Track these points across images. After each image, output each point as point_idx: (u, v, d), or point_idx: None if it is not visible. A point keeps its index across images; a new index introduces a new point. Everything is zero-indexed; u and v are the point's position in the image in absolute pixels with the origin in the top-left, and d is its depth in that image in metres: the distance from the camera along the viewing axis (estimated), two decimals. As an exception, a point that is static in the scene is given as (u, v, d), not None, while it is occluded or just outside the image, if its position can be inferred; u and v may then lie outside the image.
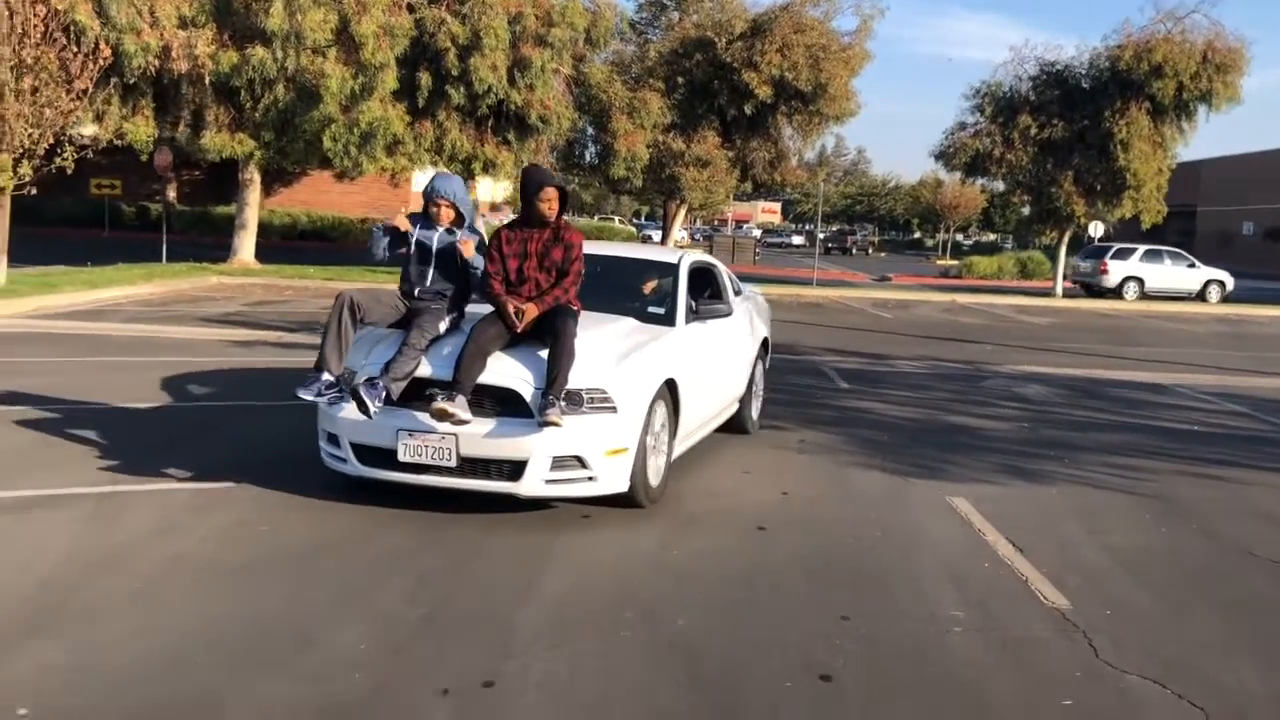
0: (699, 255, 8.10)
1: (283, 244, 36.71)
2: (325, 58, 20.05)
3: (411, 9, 21.54)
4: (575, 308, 6.13)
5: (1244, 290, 32.57)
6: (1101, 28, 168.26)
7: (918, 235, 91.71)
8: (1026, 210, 29.57)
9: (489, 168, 23.84)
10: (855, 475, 7.43)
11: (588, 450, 5.66)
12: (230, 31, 20.09)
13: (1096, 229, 33.25)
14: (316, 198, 42.86)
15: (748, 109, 25.93)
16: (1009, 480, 7.44)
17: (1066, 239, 30.53)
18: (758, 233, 76.20)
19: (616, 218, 79.60)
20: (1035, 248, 45.26)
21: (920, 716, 3.78)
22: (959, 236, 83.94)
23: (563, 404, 5.52)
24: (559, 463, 5.64)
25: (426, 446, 5.62)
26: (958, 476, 7.45)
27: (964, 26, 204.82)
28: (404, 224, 6.35)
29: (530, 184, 6.20)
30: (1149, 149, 26.98)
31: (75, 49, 17.18)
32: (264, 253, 26.18)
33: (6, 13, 16.40)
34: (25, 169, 17.11)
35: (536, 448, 5.58)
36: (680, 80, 26.90)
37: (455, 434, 5.57)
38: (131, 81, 19.56)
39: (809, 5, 26.03)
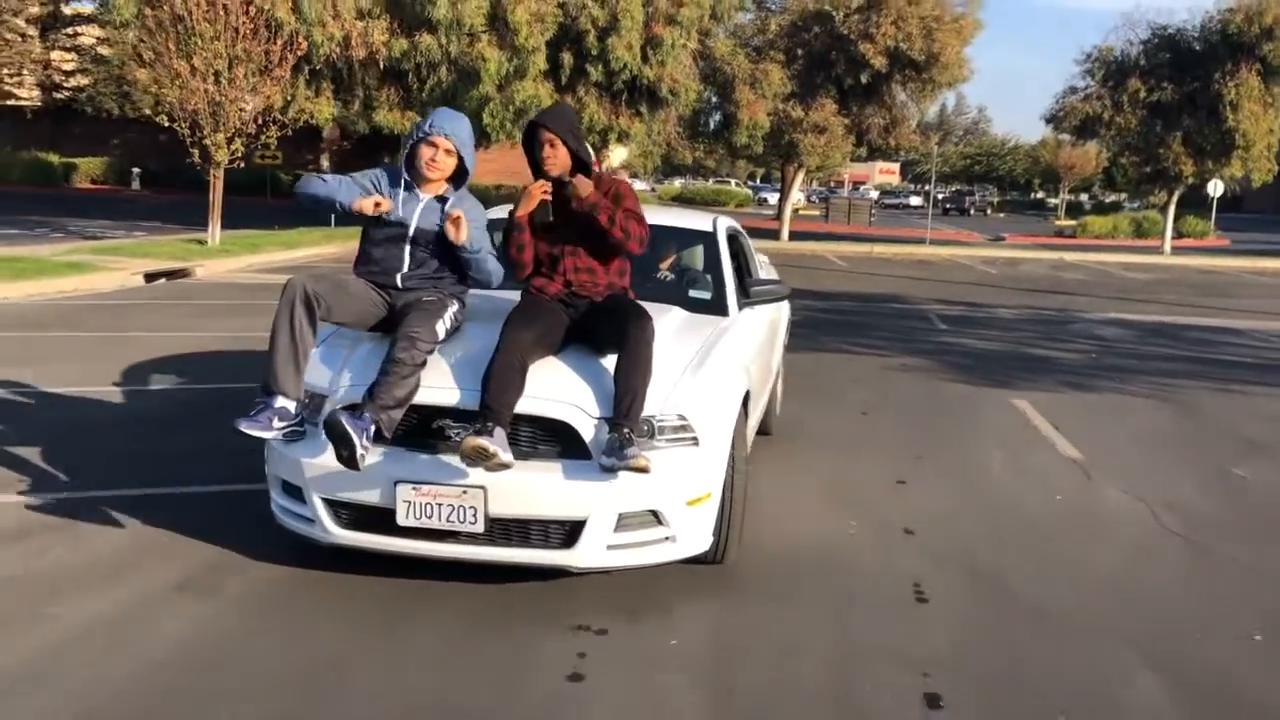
0: (730, 220, 6.57)
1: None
2: (481, 41, 22.58)
3: (556, -6, 23.90)
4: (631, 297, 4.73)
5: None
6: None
7: (1040, 195, 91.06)
8: (1134, 172, 30.52)
9: (623, 138, 26.16)
10: (942, 386, 9.53)
11: (665, 500, 4.10)
12: (400, 20, 22.77)
13: (1216, 188, 33.98)
14: (453, 165, 45.86)
15: (864, 78, 27.67)
16: (1065, 390, 9.45)
17: (1175, 199, 31.42)
18: (875, 194, 76.83)
19: (733, 180, 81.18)
20: (1149, 207, 45.54)
21: (959, 503, 5.94)
22: (1082, 196, 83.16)
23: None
24: (627, 521, 4.07)
25: (440, 504, 3.99)
26: (1023, 386, 9.48)
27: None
28: (384, 206, 4.48)
29: (527, 133, 4.64)
30: (1259, 110, 27.78)
31: (275, 42, 20.05)
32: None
33: (223, 13, 19.31)
34: (237, 145, 20.11)
35: (599, 502, 4.00)
36: (799, 52, 28.74)
37: (484, 486, 3.95)
38: (317, 67, 22.41)
39: (923, -22, 27.51)
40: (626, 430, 3.94)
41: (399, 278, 4.54)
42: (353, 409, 4.00)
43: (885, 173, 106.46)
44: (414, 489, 4.01)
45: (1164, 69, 28.88)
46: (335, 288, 4.35)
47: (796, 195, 37.27)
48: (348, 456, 3.91)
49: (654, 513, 4.11)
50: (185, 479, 5.66)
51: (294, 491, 4.33)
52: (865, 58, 26.86)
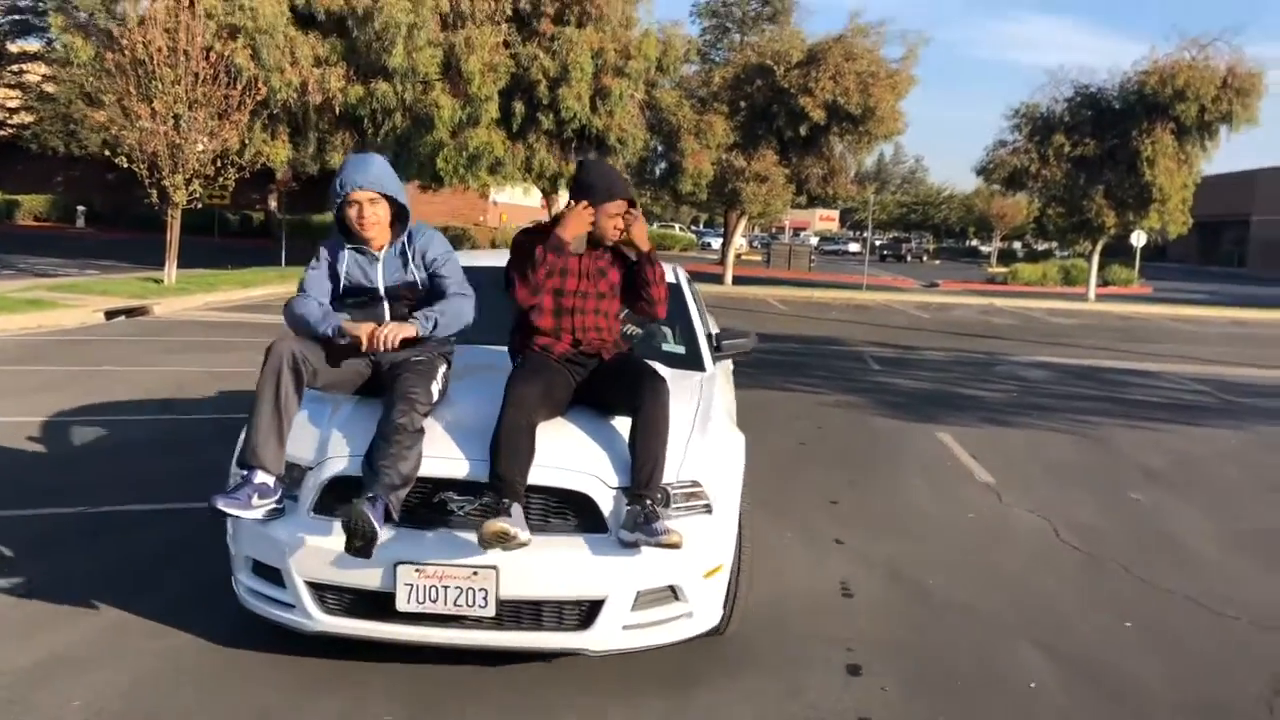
0: (681, 269, 6.32)
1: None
2: (435, 89, 23.29)
3: (508, 45, 24.73)
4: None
5: (1271, 297, 34.68)
6: (1160, 27, 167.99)
7: (975, 243, 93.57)
8: (1061, 222, 32.02)
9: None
10: (874, 421, 10.29)
11: (684, 574, 3.88)
12: (356, 68, 23.42)
13: (1140, 238, 35.62)
14: (401, 207, 46.32)
15: (803, 130, 28.82)
16: (985, 425, 10.26)
17: (1099, 248, 32.93)
18: (814, 240, 78.52)
19: (676, 225, 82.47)
20: (1078, 255, 47.40)
21: (884, 519, 6.64)
22: (1016, 244, 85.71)
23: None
24: (644, 598, 3.84)
25: (446, 586, 3.69)
26: (948, 421, 10.28)
27: (1025, 30, 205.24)
28: (359, 334, 4.05)
29: (594, 189, 4.28)
30: (1174, 165, 29.36)
31: (235, 87, 20.58)
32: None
33: (184, 58, 19.82)
34: (195, 187, 20.56)
35: (618, 579, 3.77)
36: (742, 104, 29.86)
37: (495, 566, 3.68)
38: (274, 112, 22.94)
39: (859, 35, 28.83)
40: (649, 502, 3.72)
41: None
42: (372, 500, 3.60)
43: (825, 219, 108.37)
44: (417, 571, 3.67)
45: (1086, 125, 30.42)
46: (322, 351, 4.05)
47: (739, 241, 38.37)
48: (362, 547, 3.57)
49: (672, 588, 3.86)
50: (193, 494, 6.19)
51: (269, 573, 3.93)
52: (805, 111, 28.01)
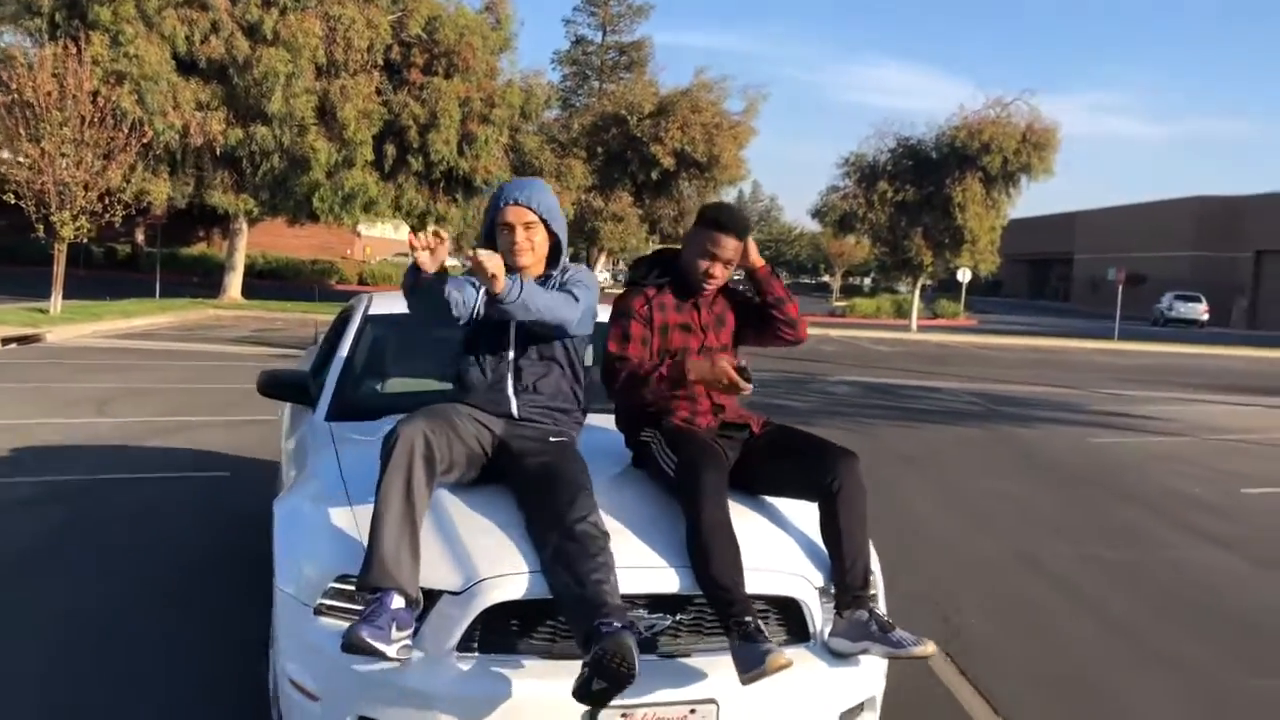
0: None
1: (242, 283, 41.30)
2: (311, 133, 25.05)
3: (380, 93, 26.65)
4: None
5: (1081, 328, 38.88)
6: (1008, 74, 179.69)
7: (826, 279, 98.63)
8: (887, 260, 35.54)
9: (440, 220, 28.96)
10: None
11: (878, 684, 3.34)
12: (236, 112, 24.99)
13: (965, 275, 39.47)
14: (269, 240, 47.34)
15: (654, 175, 31.55)
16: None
17: (919, 284, 36.59)
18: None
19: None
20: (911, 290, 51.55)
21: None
22: (866, 280, 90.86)
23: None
24: (846, 718, 3.22)
25: None
26: (754, 422, 12.70)
27: (880, 74, 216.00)
28: (436, 257, 3.13)
29: (709, 232, 3.54)
30: (983, 210, 33.11)
31: (121, 130, 21.97)
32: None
33: (72, 101, 21.16)
34: (82, 223, 21.82)
35: (831, 699, 3.17)
36: (599, 149, 32.42)
37: (714, 700, 2.92)
38: (157, 152, 24.33)
39: (704, 90, 31.74)
40: (875, 605, 3.17)
41: (512, 403, 3.37)
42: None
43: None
44: (624, 716, 2.82)
45: (907, 174, 34.01)
46: (450, 430, 3.14)
47: (602, 274, 40.86)
48: (601, 694, 2.66)
49: (863, 703, 3.26)
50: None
51: None
52: (656, 157, 30.72)
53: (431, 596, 2.86)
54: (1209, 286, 61.98)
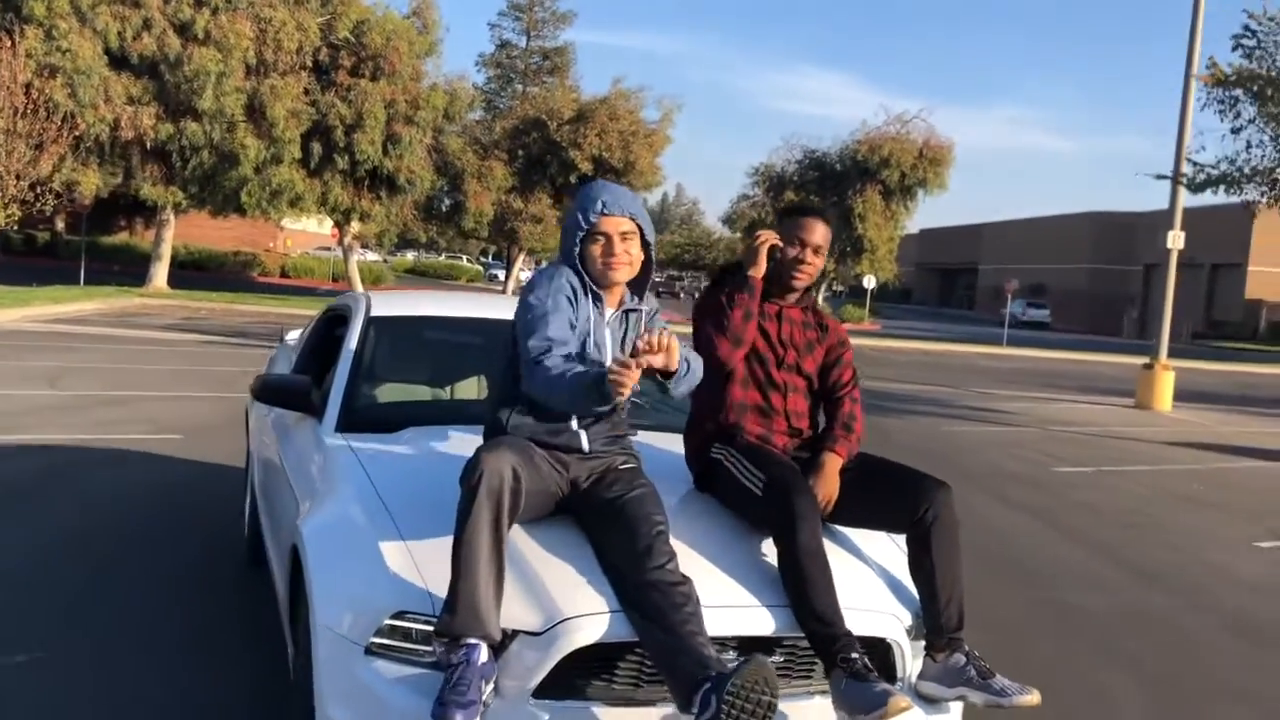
0: None
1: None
2: (240, 130, 25.99)
3: (308, 93, 27.65)
4: None
5: (974, 334, 41.17)
6: (931, 85, 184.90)
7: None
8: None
9: (364, 217, 30.06)
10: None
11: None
12: (166, 106, 25.84)
13: (870, 282, 41.56)
14: (192, 232, 47.66)
15: (573, 178, 32.86)
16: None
17: (823, 290, 38.55)
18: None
19: (464, 256, 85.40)
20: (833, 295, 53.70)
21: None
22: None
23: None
24: None
25: None
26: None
27: (803, 82, 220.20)
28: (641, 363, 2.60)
29: (790, 219, 3.44)
30: (882, 221, 35.18)
31: (53, 122, 22.73)
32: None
33: (6, 93, 21.88)
34: (12, 211, 22.53)
35: None
36: (520, 152, 33.69)
37: None
38: (88, 144, 25.07)
39: (621, 99, 33.20)
40: (970, 648, 2.96)
41: (582, 439, 3.04)
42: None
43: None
44: None
45: (813, 184, 35.96)
46: (531, 464, 2.84)
47: (522, 273, 42.12)
48: None
49: None
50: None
51: None
52: (574, 162, 32.10)
53: (504, 636, 2.62)
54: (1104, 298, 65.47)
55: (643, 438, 3.51)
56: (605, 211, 2.97)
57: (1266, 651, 5.58)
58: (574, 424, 3.02)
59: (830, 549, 2.93)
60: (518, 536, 2.83)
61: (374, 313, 4.42)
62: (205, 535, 6.15)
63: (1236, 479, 11.74)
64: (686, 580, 2.66)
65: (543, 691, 2.61)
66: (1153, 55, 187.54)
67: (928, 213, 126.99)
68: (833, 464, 3.25)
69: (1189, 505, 9.86)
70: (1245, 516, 9.48)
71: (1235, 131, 16.49)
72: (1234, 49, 15.42)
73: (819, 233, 3.39)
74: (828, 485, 3.20)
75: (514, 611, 2.64)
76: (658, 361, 2.64)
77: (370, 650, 2.67)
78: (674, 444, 3.62)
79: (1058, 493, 10.10)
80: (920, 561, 3.03)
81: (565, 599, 2.66)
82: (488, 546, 2.60)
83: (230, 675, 4.22)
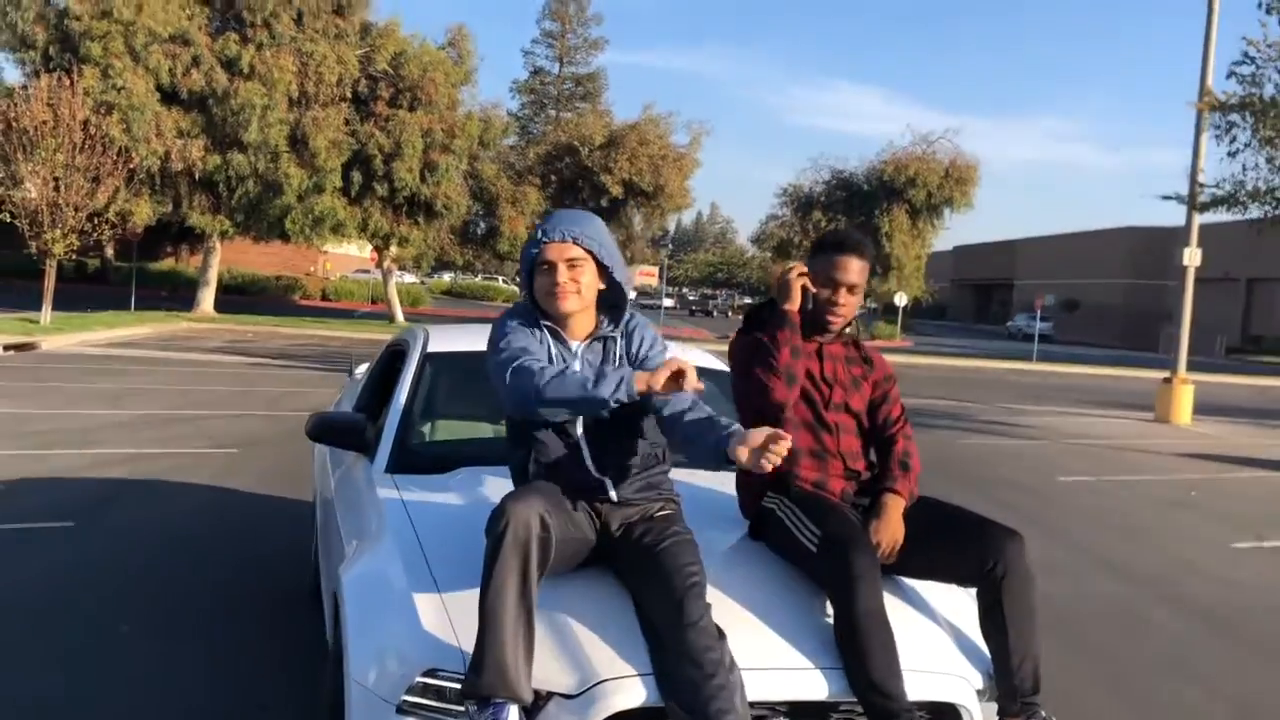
0: None
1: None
2: (284, 160, 27.11)
3: (348, 123, 28.76)
4: None
5: (1006, 349, 41.50)
6: (968, 98, 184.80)
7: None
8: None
9: (403, 242, 31.12)
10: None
11: None
12: (214, 139, 27.02)
13: (901, 299, 42.06)
14: (235, 257, 49.04)
15: (604, 202, 33.76)
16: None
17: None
18: (632, 294, 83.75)
19: (501, 278, 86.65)
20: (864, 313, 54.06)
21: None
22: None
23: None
24: None
25: None
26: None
27: (837, 99, 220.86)
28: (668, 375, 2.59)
29: (824, 252, 3.21)
30: (909, 239, 35.73)
31: (109, 156, 23.90)
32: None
33: (66, 129, 23.07)
34: (71, 241, 23.69)
35: None
36: (553, 177, 34.66)
37: None
38: (140, 175, 26.29)
39: (651, 124, 34.08)
40: (1045, 714, 2.76)
41: (609, 488, 2.84)
42: None
43: (645, 275, 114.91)
44: None
45: (840, 204, 36.60)
46: (561, 512, 2.70)
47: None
48: None
49: None
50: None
51: None
52: (605, 186, 33.00)
53: (538, 697, 2.47)
54: (1140, 312, 65.18)
55: (696, 477, 3.44)
56: (545, 239, 2.86)
57: (1216, 633, 6.19)
58: (590, 468, 2.83)
59: (893, 604, 2.75)
60: (551, 589, 2.64)
61: (431, 348, 4.31)
62: (278, 527, 6.95)
63: (1235, 487, 12.24)
64: (720, 643, 2.47)
65: None
66: (1189, 70, 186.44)
67: (963, 228, 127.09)
68: (895, 506, 3.04)
69: (1177, 509, 10.41)
70: (1231, 520, 10.00)
71: (1232, 155, 17.01)
72: (1229, 76, 15.96)
73: (854, 270, 3.16)
74: (892, 530, 2.98)
75: (547, 672, 2.50)
76: (673, 377, 2.55)
77: (402, 709, 2.55)
78: (726, 483, 3.41)
79: (1052, 499, 10.63)
80: (991, 618, 2.81)
81: (602, 659, 2.51)
82: (514, 601, 2.45)
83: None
